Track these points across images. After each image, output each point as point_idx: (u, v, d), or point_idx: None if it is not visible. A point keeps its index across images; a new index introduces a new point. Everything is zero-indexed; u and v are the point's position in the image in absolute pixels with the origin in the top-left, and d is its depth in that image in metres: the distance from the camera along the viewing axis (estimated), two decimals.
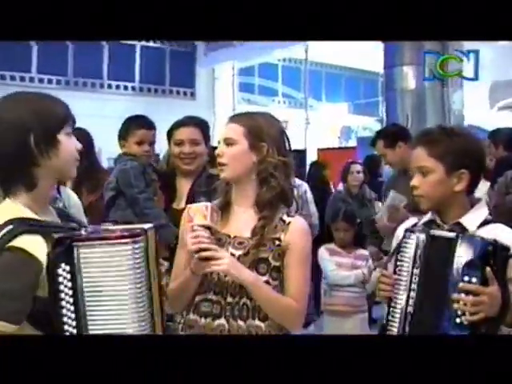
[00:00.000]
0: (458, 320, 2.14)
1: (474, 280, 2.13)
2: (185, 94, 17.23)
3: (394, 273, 2.34)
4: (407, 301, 2.25)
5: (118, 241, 1.92)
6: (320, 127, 17.45)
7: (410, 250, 2.28)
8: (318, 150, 10.96)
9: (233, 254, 2.40)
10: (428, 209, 2.44)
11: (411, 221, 2.54)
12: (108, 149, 5.66)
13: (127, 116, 4.07)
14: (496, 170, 6.14)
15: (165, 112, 5.44)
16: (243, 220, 2.48)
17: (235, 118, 2.51)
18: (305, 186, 6.29)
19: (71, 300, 1.90)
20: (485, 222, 2.38)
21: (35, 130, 1.92)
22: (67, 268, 1.89)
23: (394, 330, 2.27)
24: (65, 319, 1.91)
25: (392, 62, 11.30)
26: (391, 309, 2.29)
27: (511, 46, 12.12)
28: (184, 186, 3.64)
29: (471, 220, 2.38)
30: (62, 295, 1.90)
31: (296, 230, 2.45)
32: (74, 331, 1.91)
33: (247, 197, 2.48)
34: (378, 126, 17.18)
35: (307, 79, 17.15)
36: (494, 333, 2.19)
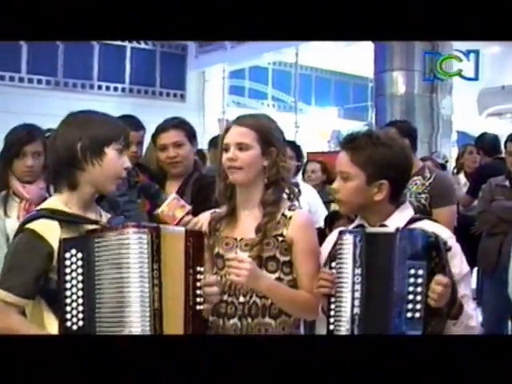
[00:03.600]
0: (409, 315, 2.10)
1: (420, 272, 2.10)
2: (175, 95, 17.19)
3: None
4: (352, 302, 2.20)
5: (125, 230, 2.08)
6: (309, 131, 17.46)
7: (347, 251, 2.24)
8: (308, 153, 10.95)
9: None
10: (346, 213, 2.45)
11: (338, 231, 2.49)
12: None
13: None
14: (475, 178, 6.20)
15: (154, 114, 5.45)
16: (248, 222, 2.53)
17: (243, 122, 2.53)
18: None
19: (80, 286, 2.09)
20: (411, 221, 2.37)
21: (84, 139, 2.21)
22: (79, 255, 2.08)
23: (343, 334, 2.21)
24: (69, 303, 2.09)
25: (382, 67, 11.34)
26: (336, 312, 2.25)
27: (500, 53, 12.19)
28: (172, 188, 3.64)
29: (395, 221, 2.36)
30: (69, 279, 2.09)
31: (298, 223, 2.49)
32: (80, 316, 2.09)
33: (253, 199, 2.53)
34: None
35: (297, 83, 17.16)
36: (442, 327, 2.18)
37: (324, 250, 2.49)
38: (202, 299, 2.22)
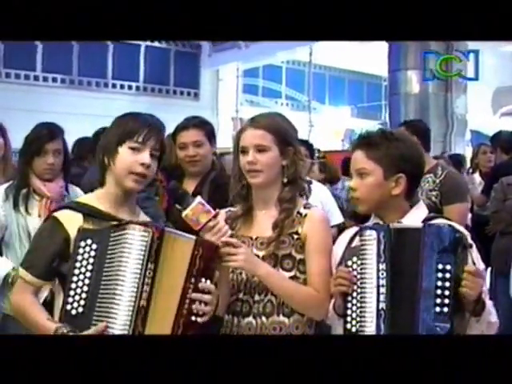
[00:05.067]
0: (437, 309, 2.09)
1: (448, 267, 2.10)
2: (188, 94, 17.24)
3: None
4: (378, 297, 2.19)
5: (131, 226, 2.12)
6: (323, 130, 17.46)
7: (371, 246, 2.23)
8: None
9: (256, 255, 2.45)
10: (364, 211, 2.41)
11: (353, 230, 2.47)
12: None
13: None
14: (490, 177, 6.18)
15: (168, 112, 5.48)
16: (264, 221, 2.53)
17: (259, 124, 2.52)
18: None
19: (88, 274, 2.15)
20: (425, 220, 2.35)
21: (101, 142, 2.39)
22: (93, 246, 2.16)
23: (368, 329, 2.20)
24: (74, 288, 2.16)
25: (396, 66, 11.33)
26: (358, 309, 2.23)
27: None
28: (189, 186, 3.66)
29: (411, 220, 2.37)
30: (79, 266, 2.16)
31: (312, 220, 2.49)
32: (82, 302, 2.14)
33: (270, 198, 2.53)
34: None
35: (311, 82, 17.18)
36: (465, 324, 2.17)
37: (336, 250, 2.49)
38: (201, 311, 2.20)
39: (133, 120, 2.38)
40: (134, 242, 2.08)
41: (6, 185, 3.61)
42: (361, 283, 2.24)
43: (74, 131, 4.86)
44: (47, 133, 3.56)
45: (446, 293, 2.10)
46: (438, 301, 2.10)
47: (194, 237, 2.23)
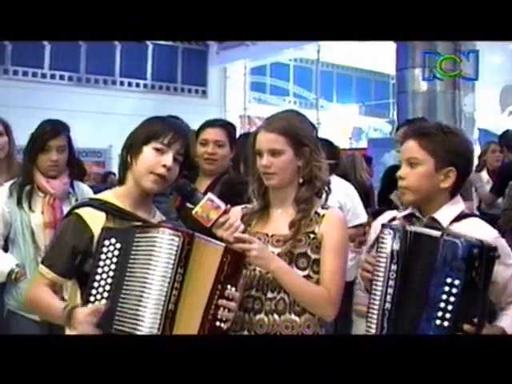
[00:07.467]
0: (438, 322, 2.10)
1: (456, 282, 2.09)
2: (196, 92, 17.23)
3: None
4: (385, 297, 2.20)
5: (161, 229, 2.12)
6: (331, 128, 17.42)
7: (386, 245, 2.23)
8: None
9: (272, 252, 2.46)
10: (411, 201, 2.39)
11: (390, 214, 2.51)
12: (120, 145, 5.66)
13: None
14: (499, 176, 6.15)
15: (176, 110, 5.48)
16: (281, 219, 2.55)
17: (272, 127, 2.52)
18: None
19: (111, 274, 2.16)
20: (459, 217, 2.36)
21: (128, 140, 2.41)
22: (117, 245, 2.17)
23: (373, 326, 2.21)
24: (96, 287, 2.17)
25: (404, 63, 11.28)
26: (370, 304, 2.24)
27: None
28: (203, 185, 3.66)
29: (445, 215, 2.36)
30: (102, 264, 2.17)
31: (330, 220, 2.51)
32: (103, 302, 2.15)
33: (286, 198, 2.56)
34: (388, 128, 17.18)
35: (319, 80, 17.15)
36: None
37: (375, 229, 2.48)
38: (225, 317, 2.23)
39: (160, 122, 2.41)
40: (164, 245, 2.09)
41: (10, 182, 3.62)
42: (374, 280, 2.24)
43: (82, 129, 4.86)
44: (51, 129, 3.58)
45: (449, 307, 2.09)
46: (440, 314, 2.10)
47: (223, 244, 2.25)
